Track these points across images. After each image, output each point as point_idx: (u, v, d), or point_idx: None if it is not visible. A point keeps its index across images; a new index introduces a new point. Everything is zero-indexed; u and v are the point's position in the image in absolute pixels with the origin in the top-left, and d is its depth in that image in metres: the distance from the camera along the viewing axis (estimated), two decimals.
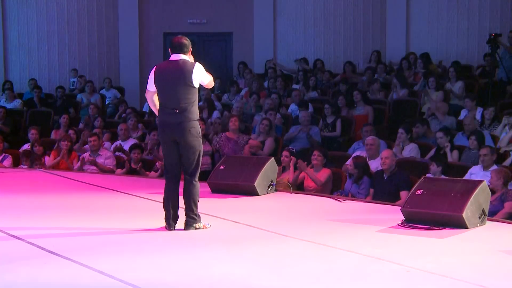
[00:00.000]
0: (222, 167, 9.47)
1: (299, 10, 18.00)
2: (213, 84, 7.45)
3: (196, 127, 7.03)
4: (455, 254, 6.41)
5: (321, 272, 5.78)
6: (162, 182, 7.25)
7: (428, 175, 9.09)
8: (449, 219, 7.23)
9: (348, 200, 8.95)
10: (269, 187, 9.14)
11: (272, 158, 9.38)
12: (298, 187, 9.86)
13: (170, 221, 7.07)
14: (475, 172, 9.31)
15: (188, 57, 7.17)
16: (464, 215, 7.13)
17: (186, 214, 7.07)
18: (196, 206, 7.07)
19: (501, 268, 5.96)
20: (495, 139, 11.09)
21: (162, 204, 7.13)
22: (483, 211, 7.32)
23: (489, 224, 7.39)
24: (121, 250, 6.47)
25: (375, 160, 10.17)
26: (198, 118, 7.09)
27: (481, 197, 7.32)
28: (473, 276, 5.69)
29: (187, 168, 7.05)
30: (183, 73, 7.03)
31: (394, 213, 7.73)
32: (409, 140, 10.95)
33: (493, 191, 7.99)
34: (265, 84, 15.92)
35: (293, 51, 17.83)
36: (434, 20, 17.28)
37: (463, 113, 12.77)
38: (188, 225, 7.06)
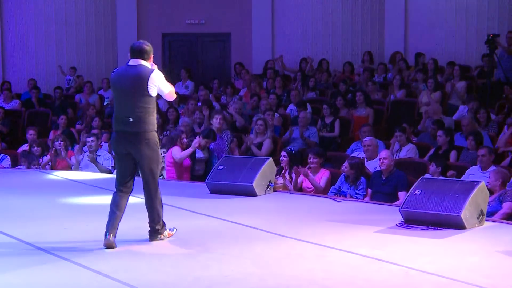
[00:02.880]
0: (220, 167, 9.47)
1: (298, 10, 18.00)
2: (174, 96, 6.88)
3: (153, 138, 6.61)
4: (453, 254, 6.42)
5: (320, 273, 5.78)
6: (161, 182, 7.22)
7: (427, 175, 9.09)
8: (448, 220, 7.23)
9: (346, 200, 8.95)
10: (267, 187, 9.14)
11: (271, 159, 9.38)
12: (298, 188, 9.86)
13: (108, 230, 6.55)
14: (473, 173, 9.31)
15: (148, 64, 6.66)
16: (462, 215, 7.14)
17: (150, 226, 6.78)
18: (160, 217, 6.75)
19: (499, 269, 5.96)
20: (493, 139, 11.10)
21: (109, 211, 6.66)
22: (482, 211, 7.33)
23: (488, 224, 7.39)
24: (118, 251, 6.47)
25: (374, 160, 10.18)
26: (155, 129, 6.66)
27: (479, 198, 7.32)
28: (472, 276, 5.69)
29: (146, 180, 6.67)
30: (139, 80, 6.55)
31: (392, 214, 7.73)
32: (407, 141, 10.99)
33: (491, 192, 8.00)
34: (264, 84, 15.93)
35: (292, 51, 17.82)
36: (433, 21, 17.29)
37: (457, 113, 12.79)
38: (152, 236, 6.77)
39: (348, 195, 9.38)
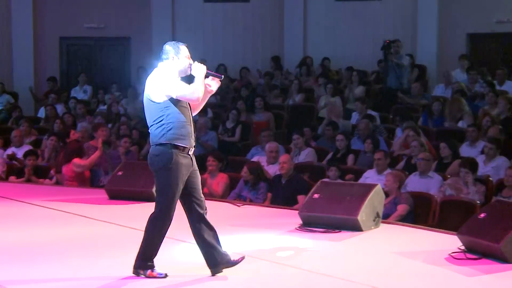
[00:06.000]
0: (120, 173, 9.37)
1: (198, 15, 18.00)
2: (192, 97, 5.65)
3: (161, 154, 5.61)
4: (350, 256, 6.54)
5: (220, 277, 5.78)
6: (58, 189, 7.09)
7: (325, 179, 9.23)
8: (345, 222, 7.37)
9: (247, 205, 8.99)
10: None
11: None
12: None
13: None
14: (369, 176, 9.51)
15: (168, 65, 5.77)
16: (359, 218, 7.28)
17: (135, 259, 5.80)
18: (145, 249, 5.75)
19: (394, 270, 6.11)
20: (388, 143, 11.37)
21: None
22: (378, 214, 7.50)
23: (383, 226, 7.57)
24: (11, 260, 6.29)
25: (274, 165, 10.26)
26: (170, 142, 5.60)
27: (375, 200, 7.49)
28: (368, 278, 5.82)
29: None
30: (147, 86, 5.74)
31: (292, 217, 7.82)
32: (305, 145, 11.14)
33: (386, 194, 8.19)
34: None
35: (192, 55, 17.75)
36: (331, 27, 17.58)
37: (354, 117, 13.06)
38: (134, 268, 5.78)
39: (248, 199, 9.43)
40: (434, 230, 7.49)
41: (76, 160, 10.53)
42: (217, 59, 17.41)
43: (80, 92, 16.23)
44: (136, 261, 5.78)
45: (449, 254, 6.40)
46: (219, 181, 9.78)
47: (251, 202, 9.35)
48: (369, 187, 7.60)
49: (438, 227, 7.73)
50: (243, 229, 7.54)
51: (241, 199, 9.40)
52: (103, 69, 18.39)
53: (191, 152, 5.73)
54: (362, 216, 7.31)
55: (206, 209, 5.86)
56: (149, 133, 5.78)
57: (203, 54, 17.65)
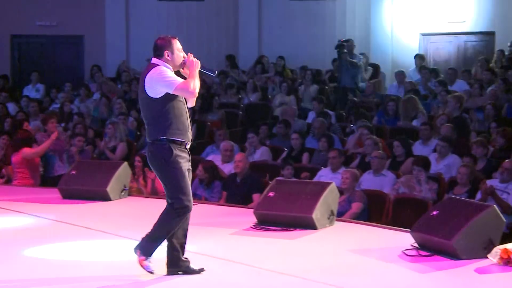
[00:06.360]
0: (73, 172, 9.29)
1: (152, 14, 17.90)
2: (189, 93, 5.66)
3: (159, 149, 5.58)
4: (305, 254, 6.57)
5: (174, 276, 5.76)
6: (9, 188, 7.00)
7: (280, 177, 9.25)
8: (300, 220, 7.39)
9: (202, 203, 8.97)
10: (122, 191, 9.04)
11: (125, 163, 9.29)
12: (154, 191, 9.81)
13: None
14: (324, 174, 9.56)
15: (161, 62, 5.68)
16: (314, 216, 7.31)
17: (142, 238, 5.75)
18: (155, 238, 5.68)
19: (349, 268, 6.15)
20: (343, 141, 11.45)
21: None
22: (332, 212, 7.54)
23: (338, 224, 7.61)
24: None
25: (229, 164, 10.26)
26: (169, 137, 5.58)
27: (330, 198, 7.53)
28: (322, 275, 5.85)
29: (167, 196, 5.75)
30: (141, 82, 5.67)
31: (247, 216, 7.82)
32: (260, 143, 11.16)
33: (341, 192, 8.25)
34: (119, 87, 15.75)
35: (146, 54, 17.64)
36: (285, 26, 17.65)
37: (310, 116, 13.13)
38: (136, 247, 5.73)
39: (203, 198, 9.42)
40: (387, 228, 7.56)
41: (25, 150, 10.35)
42: None
43: (33, 91, 16.03)
44: (142, 240, 5.70)
45: (402, 251, 6.46)
46: None
47: (206, 201, 9.34)
48: (324, 186, 7.63)
49: (391, 225, 7.81)
50: (198, 228, 7.49)
51: (196, 198, 9.37)
52: (56, 68, 18.17)
53: (188, 147, 5.71)
54: (317, 214, 7.34)
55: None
56: (145, 129, 5.74)
57: None
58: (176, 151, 5.60)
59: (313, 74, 15.08)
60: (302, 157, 10.78)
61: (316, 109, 13.00)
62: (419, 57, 15.59)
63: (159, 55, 5.71)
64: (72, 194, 9.01)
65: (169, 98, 5.61)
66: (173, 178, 5.61)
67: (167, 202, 5.68)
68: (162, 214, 5.68)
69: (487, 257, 6.12)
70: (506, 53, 15.09)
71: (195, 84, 5.67)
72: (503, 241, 6.27)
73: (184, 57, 5.79)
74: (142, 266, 5.68)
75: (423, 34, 17.01)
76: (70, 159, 10.88)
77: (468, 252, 6.19)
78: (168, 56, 5.70)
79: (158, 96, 5.60)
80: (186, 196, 5.62)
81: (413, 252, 6.44)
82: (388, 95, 14.01)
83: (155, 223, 5.69)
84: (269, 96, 14.76)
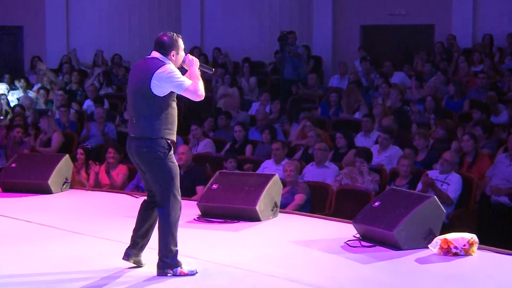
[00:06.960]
0: (13, 165, 9.15)
1: (93, 5, 17.69)
2: (196, 93, 5.60)
3: (155, 146, 5.52)
4: (249, 246, 6.59)
5: (119, 269, 5.72)
6: None
7: (223, 169, 9.27)
8: (243, 212, 7.41)
9: (145, 196, 8.90)
10: (63, 184, 8.94)
11: (67, 155, 9.17)
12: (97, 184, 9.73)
13: (128, 250, 5.83)
14: (267, 166, 9.60)
15: (166, 60, 5.64)
16: (257, 208, 7.34)
17: (158, 257, 5.67)
18: (168, 246, 5.60)
19: (292, 259, 6.19)
20: (286, 133, 11.51)
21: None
22: (275, 203, 7.57)
23: (281, 216, 7.65)
24: None
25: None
26: (165, 136, 5.55)
27: (273, 190, 7.56)
28: (266, 267, 5.88)
29: (157, 198, 5.72)
30: (144, 76, 5.54)
31: (191, 208, 7.79)
32: (204, 136, 11.15)
33: (284, 184, 8.29)
34: (60, 78, 15.55)
35: (87, 45, 17.47)
36: (228, 18, 17.64)
37: (253, 107, 13.16)
38: (159, 269, 5.65)
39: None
40: (330, 219, 7.63)
41: None
42: (113, 50, 17.21)
43: None
44: (159, 262, 5.64)
45: (345, 242, 6.54)
46: (119, 172, 9.70)
47: None
48: (267, 177, 7.66)
49: (334, 216, 7.89)
50: None
51: (139, 190, 9.32)
52: None
53: (172, 146, 5.69)
54: (261, 206, 7.37)
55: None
56: (133, 122, 5.63)
57: (98, 45, 17.43)
58: (167, 148, 5.60)
59: (255, 66, 15.09)
60: (245, 149, 10.81)
61: (260, 100, 13.03)
62: (360, 49, 15.75)
63: (165, 54, 5.68)
64: (12, 187, 8.87)
65: (171, 97, 5.60)
66: (164, 173, 5.58)
67: (157, 202, 5.67)
68: (158, 225, 5.66)
69: (427, 247, 6.24)
70: (446, 45, 15.34)
71: (201, 86, 5.65)
72: (443, 232, 6.39)
73: (184, 56, 5.81)
74: (185, 275, 5.62)
75: (363, 26, 17.17)
76: (8, 151, 10.73)
77: (409, 242, 6.29)
78: (173, 56, 5.69)
79: (162, 95, 5.56)
80: (178, 191, 5.64)
81: (356, 243, 6.51)
82: (330, 87, 14.13)
83: (158, 237, 5.63)
84: (213, 88, 14.74)
